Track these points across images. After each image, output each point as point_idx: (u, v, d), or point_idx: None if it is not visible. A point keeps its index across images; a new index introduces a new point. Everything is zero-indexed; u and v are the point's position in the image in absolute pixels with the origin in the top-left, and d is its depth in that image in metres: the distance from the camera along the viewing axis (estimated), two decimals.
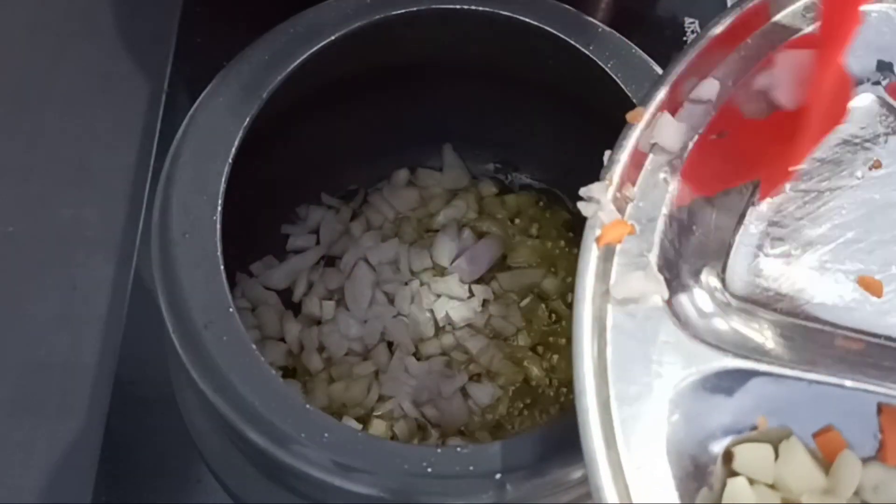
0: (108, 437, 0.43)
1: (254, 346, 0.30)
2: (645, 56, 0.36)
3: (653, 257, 0.28)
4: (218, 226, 0.32)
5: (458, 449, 0.29)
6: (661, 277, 0.28)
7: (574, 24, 0.36)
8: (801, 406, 0.28)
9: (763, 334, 0.29)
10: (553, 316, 0.43)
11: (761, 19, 0.31)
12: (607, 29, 0.36)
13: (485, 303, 0.43)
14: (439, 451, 0.29)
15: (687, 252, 0.30)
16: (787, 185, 0.31)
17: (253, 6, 0.44)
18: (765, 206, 0.31)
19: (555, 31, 0.36)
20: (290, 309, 0.43)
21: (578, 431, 0.26)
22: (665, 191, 0.29)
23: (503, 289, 0.44)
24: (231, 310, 0.30)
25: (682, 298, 0.29)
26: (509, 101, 0.43)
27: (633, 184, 0.29)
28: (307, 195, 0.45)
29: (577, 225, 0.46)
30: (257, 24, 0.36)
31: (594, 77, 0.36)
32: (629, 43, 0.36)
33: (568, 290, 0.44)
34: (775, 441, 0.28)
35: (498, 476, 0.28)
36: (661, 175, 0.30)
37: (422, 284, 0.44)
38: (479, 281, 0.44)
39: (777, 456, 0.28)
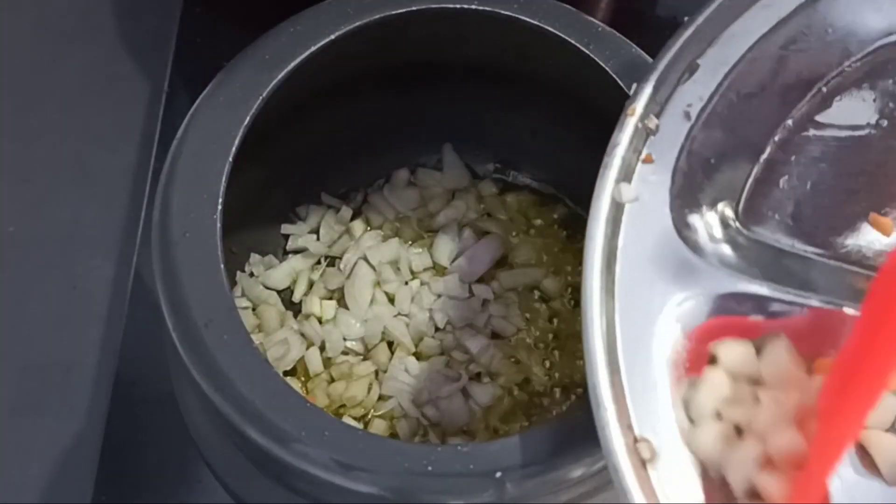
0: (108, 437, 0.43)
1: (254, 346, 0.30)
2: (645, 56, 0.36)
3: (669, 185, 0.30)
4: (218, 226, 0.32)
5: (459, 447, 0.29)
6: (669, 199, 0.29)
7: (574, 24, 0.36)
8: (800, 331, 0.29)
9: (772, 263, 0.30)
10: (553, 316, 0.43)
11: None
12: (607, 29, 0.36)
13: (485, 302, 0.43)
14: (440, 449, 0.29)
15: (704, 183, 0.31)
16: (809, 128, 0.32)
17: (253, 6, 0.44)
18: (785, 143, 0.32)
19: (555, 31, 0.36)
20: (290, 309, 0.43)
21: (583, 352, 0.27)
22: (687, 125, 0.30)
23: (504, 288, 0.44)
24: (231, 309, 0.30)
25: (695, 224, 0.30)
26: (509, 101, 0.43)
27: (657, 116, 0.30)
28: (307, 195, 0.45)
29: (577, 225, 0.46)
30: (257, 24, 0.36)
31: (594, 77, 0.36)
32: (629, 43, 0.36)
33: (568, 289, 0.44)
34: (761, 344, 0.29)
35: (498, 475, 0.28)
36: (684, 108, 0.31)
37: (422, 284, 0.44)
38: (479, 280, 0.44)
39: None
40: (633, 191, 0.29)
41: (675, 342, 0.28)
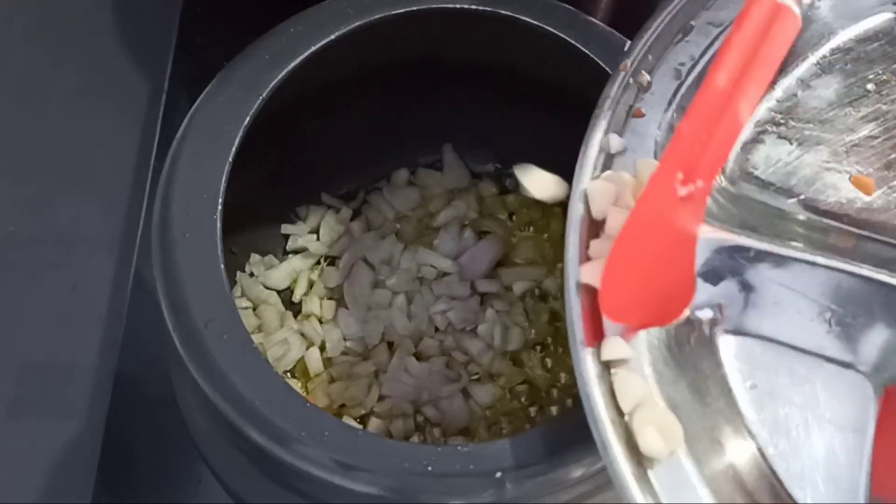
0: (108, 437, 0.43)
1: (254, 346, 0.30)
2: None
3: (657, 138, 0.30)
4: (218, 226, 0.32)
5: (459, 448, 0.29)
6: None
7: (574, 24, 0.36)
8: (773, 280, 0.29)
9: (750, 216, 0.31)
10: (553, 316, 0.43)
11: None
12: (607, 29, 0.36)
13: (485, 302, 0.43)
14: (439, 449, 0.29)
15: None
16: (799, 91, 0.33)
17: (253, 6, 0.44)
18: (773, 104, 0.32)
19: (555, 31, 0.36)
20: (290, 309, 0.43)
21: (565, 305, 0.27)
22: (677, 81, 0.31)
23: (504, 287, 0.44)
24: (231, 309, 0.30)
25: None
26: (509, 101, 0.43)
27: (649, 73, 0.31)
28: (307, 195, 0.45)
29: None
30: (257, 24, 0.36)
31: (594, 77, 0.35)
32: (624, 39, 0.36)
33: None
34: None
35: (498, 475, 0.28)
36: (676, 66, 0.32)
37: (422, 284, 0.44)
38: (479, 281, 0.44)
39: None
40: (621, 143, 0.30)
41: None
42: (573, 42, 0.36)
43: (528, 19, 0.36)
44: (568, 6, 0.37)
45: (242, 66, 0.35)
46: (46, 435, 0.44)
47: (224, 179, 0.33)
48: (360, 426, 0.40)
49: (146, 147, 0.51)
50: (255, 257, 0.44)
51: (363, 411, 0.41)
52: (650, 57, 0.32)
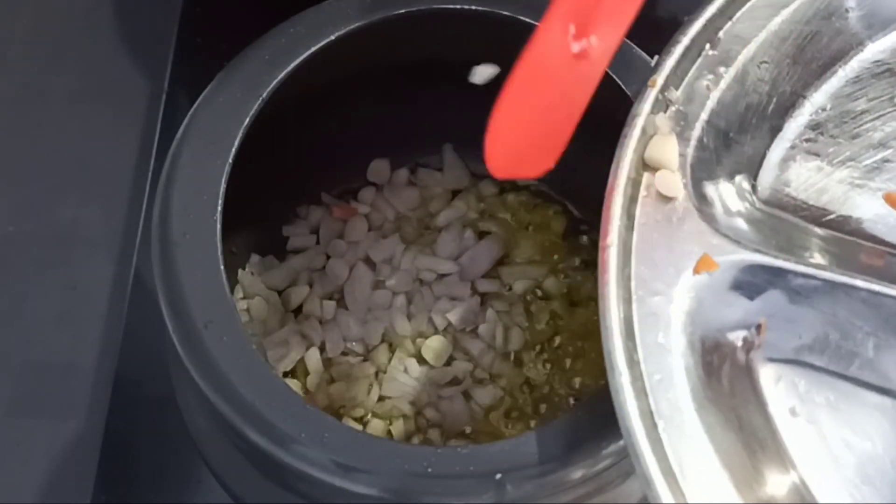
0: (108, 437, 0.43)
1: (254, 346, 0.30)
2: (645, 56, 0.36)
3: (688, 157, 0.30)
4: (218, 226, 0.32)
5: (459, 449, 0.29)
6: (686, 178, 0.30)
7: None
8: (810, 304, 0.29)
9: (784, 238, 0.30)
10: (554, 316, 0.43)
11: None
12: None
13: (485, 303, 0.43)
14: (439, 451, 0.29)
15: (722, 156, 0.31)
16: (828, 105, 0.32)
17: (253, 6, 0.45)
18: (804, 120, 0.32)
19: None
20: (290, 309, 0.43)
21: (600, 319, 0.27)
22: (707, 97, 0.31)
23: (505, 287, 0.44)
24: (231, 310, 0.30)
25: (711, 194, 0.31)
26: None
27: (677, 88, 0.31)
28: (307, 195, 0.45)
29: (576, 224, 0.46)
30: (257, 24, 0.36)
31: None
32: (629, 43, 0.36)
33: (568, 290, 0.44)
34: None
35: (498, 476, 0.28)
36: (705, 82, 0.31)
37: (422, 284, 0.44)
38: (479, 281, 0.44)
39: None
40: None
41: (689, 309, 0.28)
42: None
43: (528, 19, 0.36)
44: None
45: (242, 66, 0.35)
46: (46, 435, 0.44)
47: (224, 180, 0.33)
48: (360, 427, 0.40)
49: (146, 147, 0.51)
50: (255, 257, 0.43)
51: (363, 412, 0.41)
52: (678, 71, 0.31)
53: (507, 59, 0.40)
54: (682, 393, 0.27)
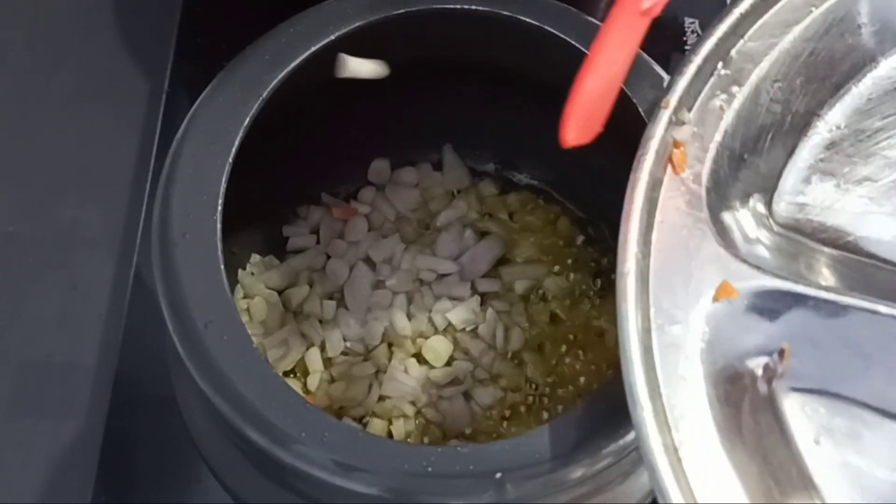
0: (108, 437, 0.43)
1: (254, 346, 0.30)
2: (645, 56, 0.36)
3: (703, 179, 0.29)
4: (218, 226, 0.32)
5: (458, 448, 0.29)
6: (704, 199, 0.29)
7: (574, 24, 0.36)
8: (831, 331, 0.28)
9: (803, 262, 0.30)
10: (554, 317, 0.43)
11: None
12: None
13: (485, 303, 0.43)
14: (439, 450, 0.29)
15: (737, 178, 0.31)
16: (843, 123, 0.32)
17: (253, 6, 0.44)
18: (818, 139, 0.32)
19: (555, 31, 0.36)
20: (290, 309, 0.43)
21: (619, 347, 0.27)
22: (720, 118, 0.30)
23: (505, 287, 0.44)
24: (231, 310, 0.30)
25: (728, 220, 0.30)
26: (510, 101, 0.43)
27: (690, 109, 0.30)
28: (307, 195, 0.45)
29: (576, 224, 0.46)
30: (257, 23, 0.36)
31: None
32: None
33: (568, 290, 0.44)
34: None
35: (498, 475, 0.28)
36: (718, 102, 0.31)
37: (423, 284, 0.44)
38: (480, 281, 0.44)
39: None
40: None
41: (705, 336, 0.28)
42: (573, 42, 0.36)
43: (528, 19, 0.36)
44: (568, 6, 0.37)
45: (242, 66, 0.35)
46: (46, 435, 0.44)
47: (224, 180, 0.33)
48: (360, 427, 0.40)
49: (146, 147, 0.51)
50: (255, 257, 0.44)
51: (363, 412, 0.41)
52: (690, 92, 0.31)
53: (506, 58, 0.40)
54: (705, 425, 0.26)
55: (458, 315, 0.43)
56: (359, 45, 0.36)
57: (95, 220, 0.49)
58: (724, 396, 0.27)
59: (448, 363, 0.42)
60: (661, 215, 0.29)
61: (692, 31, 0.55)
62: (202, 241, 0.31)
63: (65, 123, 0.52)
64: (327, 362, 0.42)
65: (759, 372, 0.28)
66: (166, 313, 0.31)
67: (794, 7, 0.31)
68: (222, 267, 0.31)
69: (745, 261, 0.29)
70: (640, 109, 0.34)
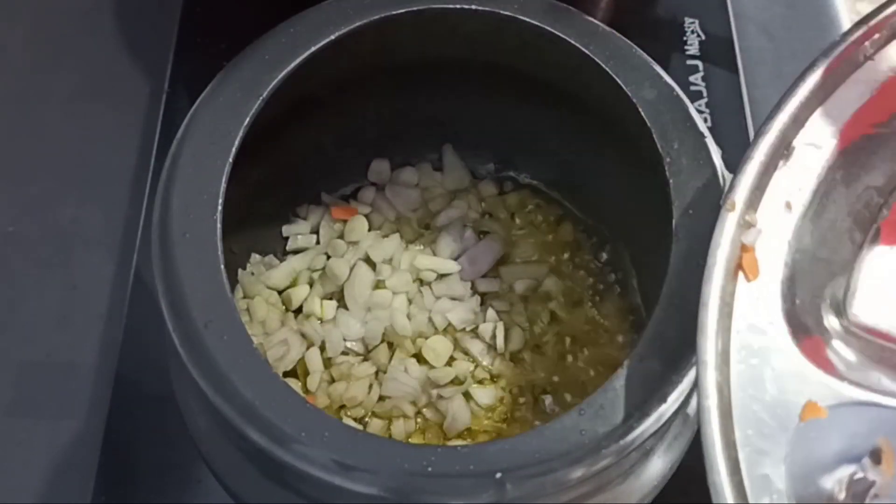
0: (108, 437, 0.43)
1: (254, 346, 0.30)
2: (645, 56, 0.36)
3: (776, 284, 0.28)
4: (218, 226, 0.32)
5: (459, 448, 0.29)
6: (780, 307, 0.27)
7: (574, 24, 0.36)
8: None
9: (889, 366, 0.28)
10: (554, 317, 0.43)
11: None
12: (607, 29, 0.36)
13: (485, 303, 0.43)
14: (439, 450, 0.29)
15: (811, 280, 0.29)
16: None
17: (253, 6, 0.44)
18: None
19: (555, 31, 0.36)
20: (290, 309, 0.43)
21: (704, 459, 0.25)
22: (788, 215, 0.29)
23: (505, 287, 0.44)
24: (231, 309, 0.30)
25: (806, 326, 0.28)
26: (509, 101, 0.43)
27: (755, 209, 0.29)
28: (307, 195, 0.45)
29: (576, 225, 0.46)
30: (257, 24, 0.36)
31: (594, 77, 0.36)
32: (629, 43, 0.36)
33: (568, 290, 0.44)
34: None
35: (498, 475, 0.28)
36: (784, 199, 0.29)
37: (423, 285, 0.44)
38: (480, 281, 0.44)
39: None
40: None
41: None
42: (573, 42, 0.36)
43: (528, 19, 0.36)
44: (568, 6, 0.37)
45: (242, 66, 0.35)
46: (46, 435, 0.44)
47: (224, 179, 0.33)
48: (361, 427, 0.40)
49: (146, 147, 0.51)
50: (255, 257, 0.44)
51: (363, 412, 0.41)
52: (755, 192, 0.29)
53: (507, 58, 0.40)
54: None
55: (458, 315, 0.43)
56: (359, 44, 0.36)
57: (95, 220, 0.49)
58: None
59: (448, 363, 0.42)
60: (737, 326, 0.27)
61: (692, 31, 0.55)
62: (202, 241, 0.31)
63: (65, 123, 0.52)
64: (327, 362, 0.42)
65: (846, 486, 0.26)
66: (166, 313, 0.31)
67: (853, 93, 0.30)
68: (222, 267, 0.31)
69: (829, 373, 0.27)
70: (640, 109, 0.34)
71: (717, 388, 0.26)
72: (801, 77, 0.30)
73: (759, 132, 0.29)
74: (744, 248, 0.28)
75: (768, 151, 0.29)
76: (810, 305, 0.29)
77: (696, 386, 0.27)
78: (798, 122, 0.29)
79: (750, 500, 0.25)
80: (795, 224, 0.29)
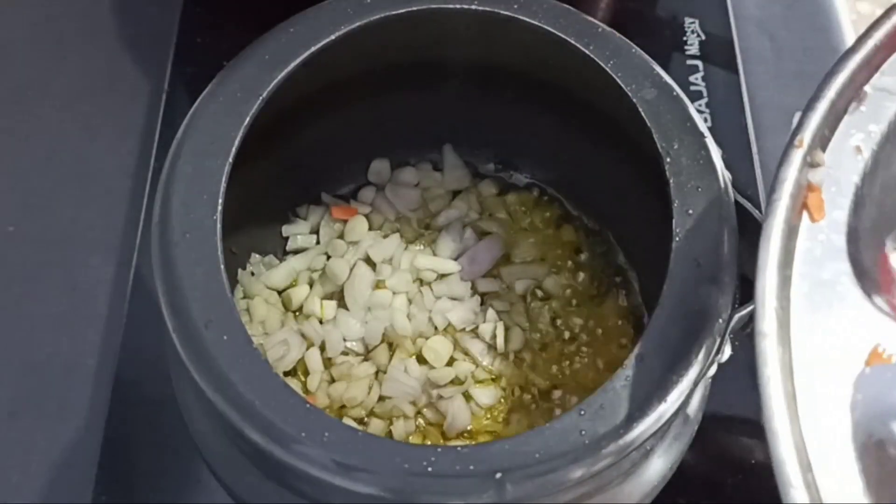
0: (108, 437, 0.43)
1: (254, 346, 0.30)
2: (645, 56, 0.36)
3: (842, 227, 0.27)
4: (218, 226, 0.32)
5: (459, 448, 0.29)
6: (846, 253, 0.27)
7: (574, 24, 0.36)
8: None
9: None
10: (554, 317, 0.43)
11: None
12: (607, 29, 0.36)
13: (485, 303, 0.43)
14: (439, 450, 0.29)
15: (878, 224, 0.29)
16: None
17: (253, 6, 0.44)
18: None
19: (555, 31, 0.36)
20: (290, 309, 0.43)
21: (761, 403, 0.24)
22: (858, 159, 0.28)
23: (505, 287, 0.44)
24: (231, 309, 0.30)
25: (871, 271, 0.28)
26: (509, 100, 0.43)
27: (824, 149, 0.28)
28: (307, 195, 0.45)
29: (576, 225, 0.46)
30: (257, 24, 0.36)
31: (594, 77, 0.36)
32: (629, 43, 0.36)
33: (568, 290, 0.44)
34: None
35: (498, 475, 0.28)
36: (854, 142, 0.28)
37: (423, 285, 0.44)
38: (480, 281, 0.44)
39: None
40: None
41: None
42: (573, 42, 0.36)
43: (528, 19, 0.36)
44: (568, 6, 0.37)
45: (242, 66, 0.35)
46: (46, 435, 0.44)
47: (224, 179, 0.33)
48: (361, 427, 0.40)
49: (146, 147, 0.51)
50: (255, 257, 0.44)
51: (363, 412, 0.41)
52: (826, 131, 0.28)
53: (506, 58, 0.40)
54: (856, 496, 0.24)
55: (458, 315, 0.43)
56: (359, 44, 0.36)
57: (95, 220, 0.49)
58: (876, 465, 0.25)
59: (448, 363, 0.42)
60: (800, 267, 0.27)
61: (692, 31, 0.55)
62: (202, 241, 0.31)
63: (65, 123, 0.52)
64: (327, 362, 0.42)
65: None
66: (166, 313, 0.31)
67: None
68: (222, 267, 0.31)
69: (887, 313, 0.26)
70: (640, 109, 0.34)
71: (778, 323, 0.25)
72: (878, 22, 0.29)
73: (831, 72, 0.29)
74: (810, 188, 0.28)
75: (839, 92, 0.28)
76: (875, 251, 0.28)
77: (752, 322, 0.27)
78: (871, 67, 0.29)
79: (808, 446, 0.24)
80: (863, 168, 0.28)
